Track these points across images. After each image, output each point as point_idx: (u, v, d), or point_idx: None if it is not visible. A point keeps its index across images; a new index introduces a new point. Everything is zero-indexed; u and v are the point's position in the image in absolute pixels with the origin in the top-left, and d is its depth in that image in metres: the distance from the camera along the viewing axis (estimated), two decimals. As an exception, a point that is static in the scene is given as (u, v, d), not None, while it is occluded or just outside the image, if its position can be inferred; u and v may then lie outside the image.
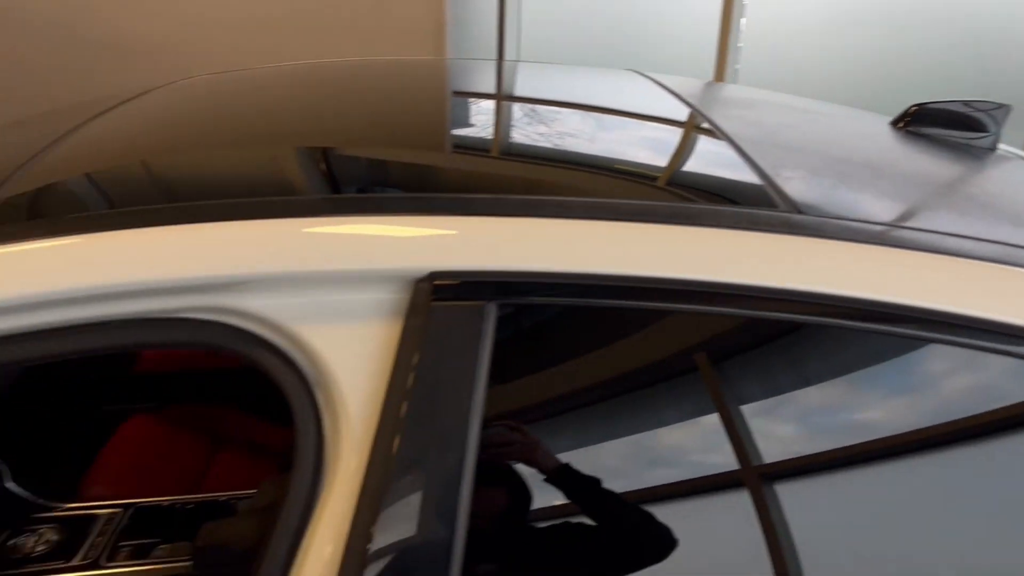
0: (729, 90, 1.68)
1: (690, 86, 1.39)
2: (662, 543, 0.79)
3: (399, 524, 0.73)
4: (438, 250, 0.76)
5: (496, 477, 0.80)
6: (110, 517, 1.63)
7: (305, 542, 0.76)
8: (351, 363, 0.76)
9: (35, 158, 0.98)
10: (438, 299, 0.74)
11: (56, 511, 1.66)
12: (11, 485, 1.67)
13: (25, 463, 1.73)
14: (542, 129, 1.17)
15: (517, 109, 1.28)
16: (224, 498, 1.67)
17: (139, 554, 1.51)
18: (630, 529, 0.80)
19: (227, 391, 2.20)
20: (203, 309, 0.76)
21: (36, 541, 1.56)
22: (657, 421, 0.81)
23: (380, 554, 0.72)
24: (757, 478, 0.79)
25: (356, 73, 1.47)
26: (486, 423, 0.74)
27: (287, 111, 1.21)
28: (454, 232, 0.77)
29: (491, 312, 0.75)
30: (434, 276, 0.75)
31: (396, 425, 0.73)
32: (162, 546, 1.53)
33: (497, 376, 0.75)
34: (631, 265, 0.75)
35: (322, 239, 0.76)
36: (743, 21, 3.41)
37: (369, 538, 0.72)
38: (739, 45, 3.44)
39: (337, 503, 0.75)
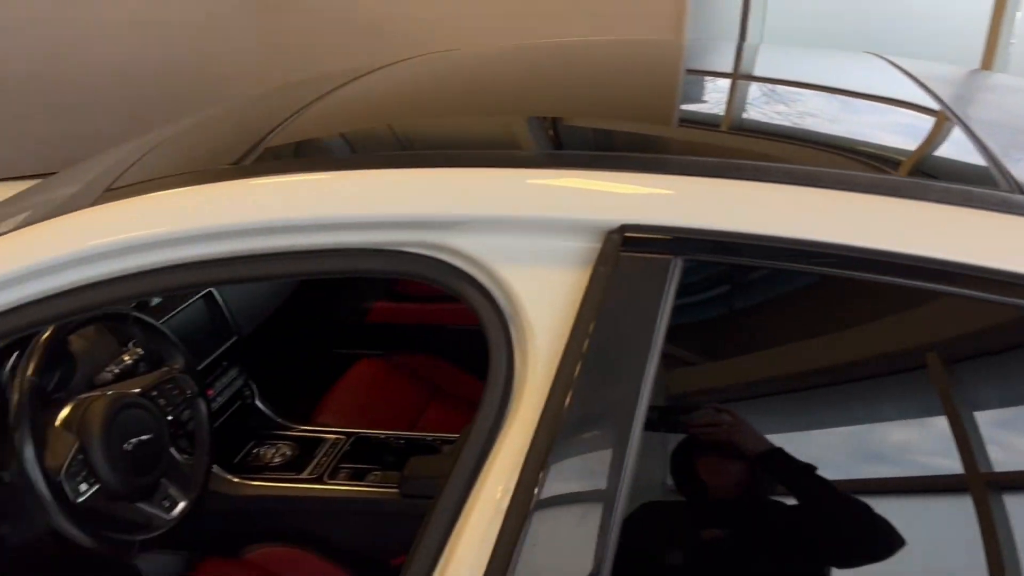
0: (970, 74, 1.55)
1: (928, 68, 1.31)
2: (881, 547, 0.76)
3: (566, 468, 0.78)
4: (630, 204, 0.80)
5: (710, 457, 0.82)
6: (335, 442, 1.84)
7: (481, 476, 0.82)
8: (543, 303, 0.82)
9: (299, 112, 1.14)
10: (627, 250, 0.78)
11: (292, 431, 1.90)
12: (259, 403, 1.93)
13: (271, 388, 2.00)
14: (760, 102, 1.16)
15: (737, 84, 1.28)
16: (432, 439, 1.82)
17: (355, 476, 1.70)
18: (842, 523, 0.78)
19: (447, 348, 2.38)
20: (422, 245, 0.86)
21: (274, 453, 1.80)
22: (859, 411, 0.79)
23: (546, 503, 0.77)
24: (984, 485, 0.74)
25: (592, 50, 1.54)
26: (660, 376, 0.77)
27: (520, 81, 1.29)
28: (647, 188, 0.81)
29: (677, 267, 0.78)
30: (625, 228, 0.79)
31: (575, 368, 0.78)
32: (375, 472, 1.70)
33: (677, 331, 0.78)
34: (825, 232, 0.75)
35: (529, 188, 0.83)
36: (1019, 16, 3.05)
37: (537, 479, 0.77)
38: (1011, 42, 3.09)
39: (515, 440, 0.81)
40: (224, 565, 1.57)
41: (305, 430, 1.90)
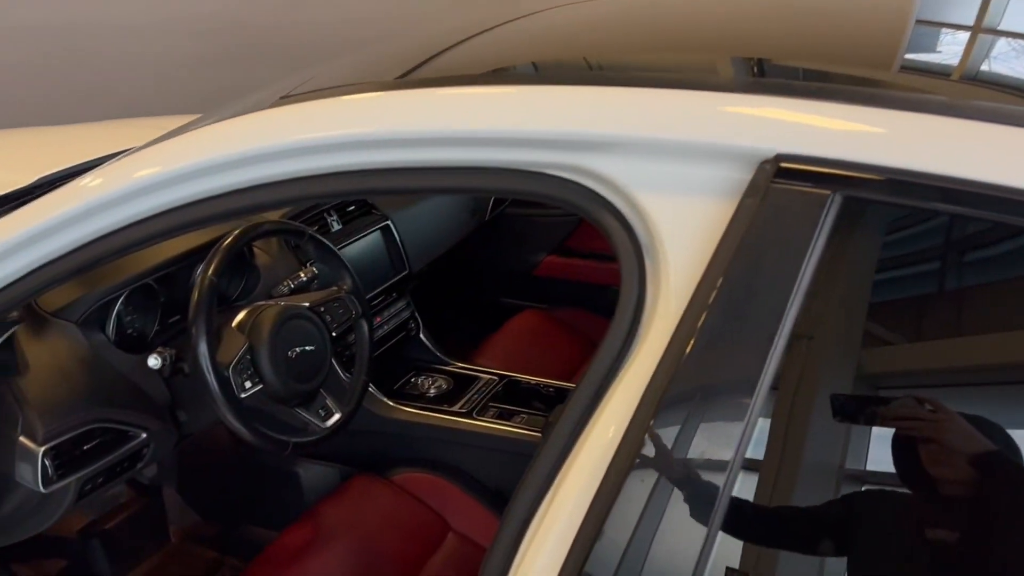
0: None
1: None
2: None
3: (679, 415, 0.73)
4: (787, 132, 0.73)
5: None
6: (488, 382, 1.87)
7: (596, 412, 0.78)
8: (682, 235, 0.77)
9: (468, 40, 1.14)
10: (779, 181, 0.72)
11: (449, 366, 1.96)
12: (422, 336, 2.00)
13: (435, 326, 2.07)
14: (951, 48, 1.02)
15: (923, 31, 1.13)
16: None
17: (503, 416, 1.72)
18: None
19: (610, 308, 2.34)
20: (564, 167, 0.83)
21: (430, 384, 1.86)
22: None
23: (659, 438, 0.72)
24: None
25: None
26: (801, 323, 0.70)
27: (686, 8, 1.22)
28: (806, 116, 0.73)
29: (835, 204, 0.70)
30: (780, 158, 0.72)
31: (707, 306, 0.73)
32: (522, 414, 1.72)
33: (828, 274, 0.71)
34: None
35: (679, 109, 0.78)
36: None
37: (653, 414, 0.72)
38: None
39: (634, 378, 0.77)
40: (372, 483, 1.65)
41: (462, 367, 1.95)
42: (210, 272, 1.28)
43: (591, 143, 0.81)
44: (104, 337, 1.36)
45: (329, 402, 1.47)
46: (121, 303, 1.40)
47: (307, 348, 1.41)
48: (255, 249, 1.62)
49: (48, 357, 1.26)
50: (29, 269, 1.03)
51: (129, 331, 1.44)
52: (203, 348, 1.24)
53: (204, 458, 1.92)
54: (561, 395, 1.81)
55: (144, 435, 1.36)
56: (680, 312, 0.75)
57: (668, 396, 0.73)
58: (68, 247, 1.00)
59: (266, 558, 1.48)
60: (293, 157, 0.90)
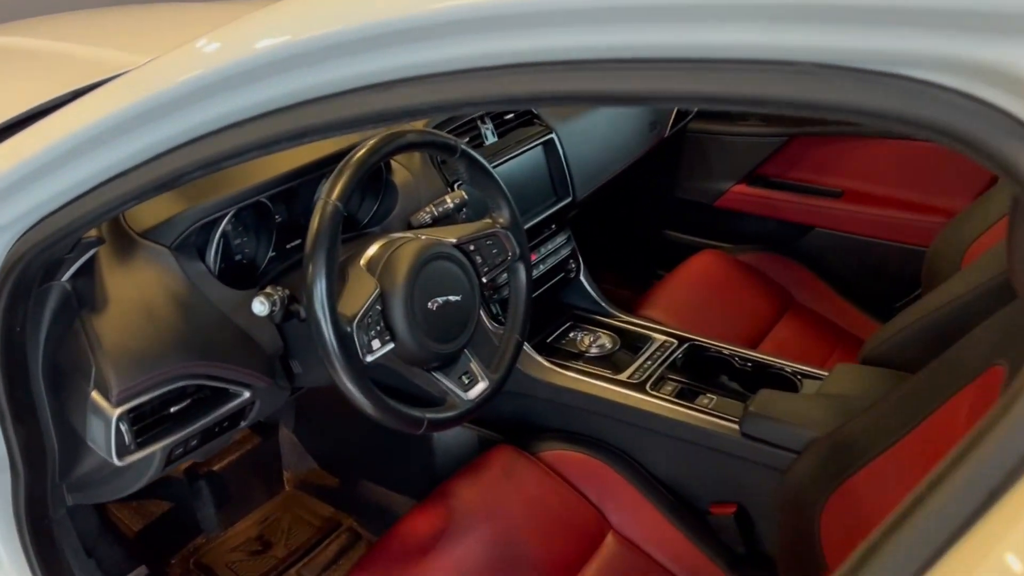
0: None
1: None
2: None
3: None
4: None
5: None
6: (664, 344, 1.51)
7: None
8: None
9: None
10: None
11: (614, 319, 1.61)
12: (583, 280, 1.65)
13: (598, 265, 1.71)
14: None
15: None
16: (790, 370, 1.42)
17: (685, 395, 1.36)
18: None
19: (812, 253, 1.92)
20: (943, 63, 0.44)
21: (592, 342, 1.52)
22: None
23: None
24: None
25: None
26: None
27: None
28: None
29: None
30: None
31: None
32: (709, 395, 1.35)
33: None
34: None
35: None
36: None
37: None
38: None
39: None
40: (518, 459, 1.34)
41: (631, 323, 1.59)
42: (335, 195, 0.96)
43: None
44: (204, 266, 1.08)
45: (474, 365, 1.16)
46: (228, 223, 1.11)
47: (452, 299, 1.09)
48: (393, 164, 1.30)
49: (132, 290, 0.99)
50: (110, 174, 0.74)
51: (237, 258, 1.16)
52: (320, 291, 0.94)
53: (325, 398, 1.66)
54: (761, 372, 1.42)
55: (248, 393, 1.09)
56: None
57: None
58: (160, 146, 0.69)
59: (393, 538, 1.22)
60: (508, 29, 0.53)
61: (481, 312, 1.33)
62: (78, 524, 1.25)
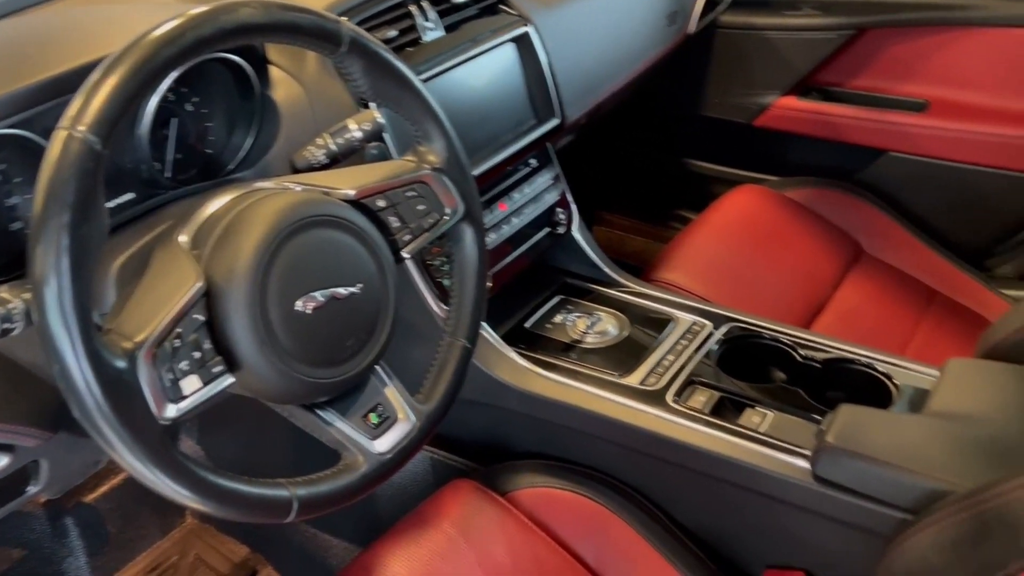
0: None
1: None
2: None
3: None
4: None
5: None
6: (693, 328, 1.07)
7: None
8: None
9: None
10: None
11: (618, 287, 1.19)
12: (576, 235, 1.22)
13: (593, 213, 1.28)
14: None
15: None
16: (876, 362, 0.98)
17: (722, 409, 0.94)
18: None
19: (889, 185, 1.54)
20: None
21: (588, 327, 1.09)
22: None
23: None
24: None
25: None
26: None
27: None
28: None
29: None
30: None
31: None
32: (760, 408, 0.92)
33: None
34: None
35: None
36: None
37: None
38: None
39: None
40: (481, 502, 0.95)
41: (643, 294, 1.16)
42: (87, 121, 0.54)
43: None
44: None
45: (390, 393, 0.74)
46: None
47: (341, 291, 0.67)
48: (273, 73, 0.85)
49: None
50: None
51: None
52: (60, 297, 0.54)
53: (237, 397, 1.28)
54: (837, 370, 0.99)
55: (6, 459, 0.68)
56: None
57: None
58: None
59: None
60: None
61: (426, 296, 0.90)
62: None
